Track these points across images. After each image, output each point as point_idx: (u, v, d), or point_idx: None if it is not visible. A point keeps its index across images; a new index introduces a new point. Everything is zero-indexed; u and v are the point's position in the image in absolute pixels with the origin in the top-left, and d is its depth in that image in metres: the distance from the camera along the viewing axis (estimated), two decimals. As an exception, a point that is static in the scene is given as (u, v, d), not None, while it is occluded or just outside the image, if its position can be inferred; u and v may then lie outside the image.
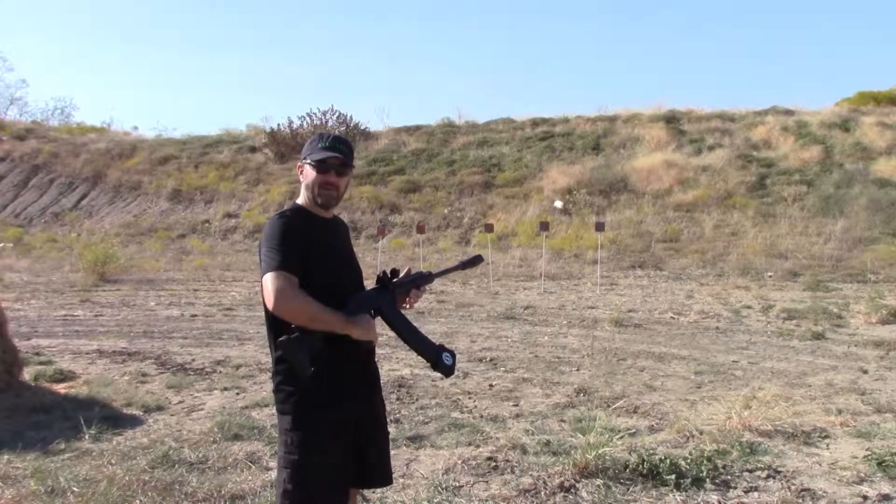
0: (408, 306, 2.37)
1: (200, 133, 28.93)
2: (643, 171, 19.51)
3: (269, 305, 2.05)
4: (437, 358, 2.26)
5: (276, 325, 2.13)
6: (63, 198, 24.74)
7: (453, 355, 2.29)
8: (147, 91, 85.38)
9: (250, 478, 3.79)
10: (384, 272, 2.32)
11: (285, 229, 2.14)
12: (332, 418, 2.19)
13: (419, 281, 2.36)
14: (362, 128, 25.83)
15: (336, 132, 24.98)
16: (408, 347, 2.32)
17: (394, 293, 2.31)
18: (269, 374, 2.61)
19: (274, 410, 4.95)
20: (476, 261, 2.67)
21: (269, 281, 2.03)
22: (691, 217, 17.48)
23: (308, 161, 2.26)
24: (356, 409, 2.28)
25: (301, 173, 2.29)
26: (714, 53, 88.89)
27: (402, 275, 2.36)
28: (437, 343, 2.30)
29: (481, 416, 5.02)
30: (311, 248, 2.16)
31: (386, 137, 25.32)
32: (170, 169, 24.91)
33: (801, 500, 3.50)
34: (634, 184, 19.25)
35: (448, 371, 2.27)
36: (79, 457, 4.09)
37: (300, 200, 2.32)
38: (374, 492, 3.62)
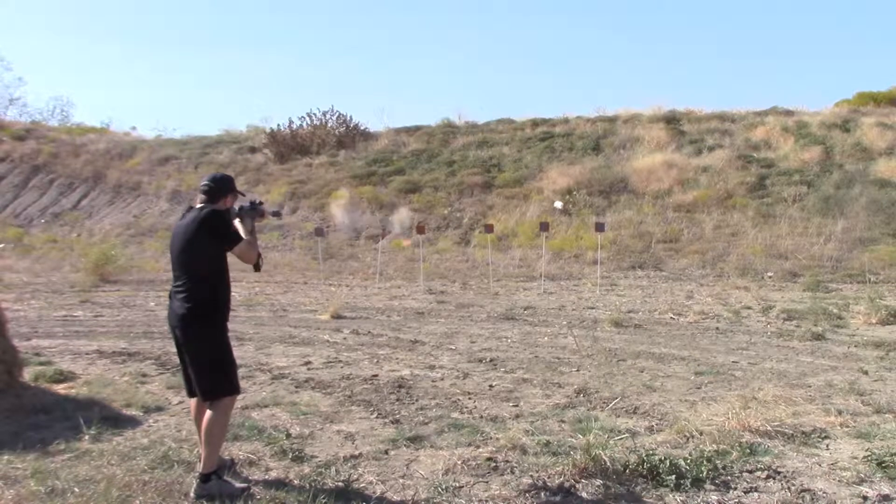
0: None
1: (200, 133, 28.95)
2: (643, 171, 19.49)
3: (254, 257, 3.63)
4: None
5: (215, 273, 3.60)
6: (63, 198, 24.73)
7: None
8: (146, 91, 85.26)
9: (250, 477, 3.79)
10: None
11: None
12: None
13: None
14: (362, 128, 25.81)
15: (338, 135, 25.02)
16: None
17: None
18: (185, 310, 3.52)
19: (273, 409, 4.92)
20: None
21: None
22: (691, 217, 17.47)
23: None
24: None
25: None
26: (714, 53, 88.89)
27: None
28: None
29: (481, 417, 5.02)
30: None
31: (386, 138, 25.29)
32: (170, 169, 24.89)
33: (800, 501, 3.50)
34: (634, 184, 19.24)
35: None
36: (79, 457, 4.09)
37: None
38: (374, 492, 3.63)
